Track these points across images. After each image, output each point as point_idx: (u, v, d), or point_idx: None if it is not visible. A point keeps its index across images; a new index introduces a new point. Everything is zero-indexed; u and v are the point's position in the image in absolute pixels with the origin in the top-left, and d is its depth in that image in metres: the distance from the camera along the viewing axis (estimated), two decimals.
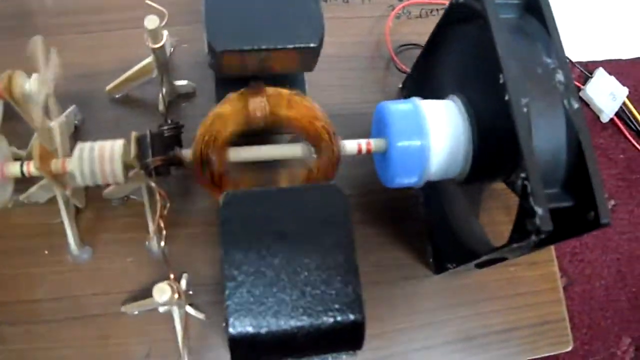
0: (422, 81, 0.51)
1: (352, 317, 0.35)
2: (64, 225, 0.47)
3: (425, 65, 0.50)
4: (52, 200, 0.49)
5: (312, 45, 0.39)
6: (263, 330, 0.34)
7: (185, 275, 0.48)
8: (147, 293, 0.48)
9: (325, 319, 0.35)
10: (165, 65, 0.47)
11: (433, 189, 0.52)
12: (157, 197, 0.40)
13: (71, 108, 0.50)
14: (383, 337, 0.50)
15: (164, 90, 0.50)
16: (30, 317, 0.49)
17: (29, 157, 0.43)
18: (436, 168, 0.43)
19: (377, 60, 0.57)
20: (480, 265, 0.49)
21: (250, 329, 0.34)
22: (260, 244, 0.35)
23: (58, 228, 0.49)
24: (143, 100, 0.53)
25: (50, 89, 0.44)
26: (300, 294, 0.35)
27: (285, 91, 0.42)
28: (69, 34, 0.55)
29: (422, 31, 0.57)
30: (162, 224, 0.40)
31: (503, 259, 0.46)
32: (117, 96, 0.53)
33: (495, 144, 0.42)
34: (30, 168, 0.42)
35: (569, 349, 0.52)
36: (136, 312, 0.48)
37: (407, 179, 0.44)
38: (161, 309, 0.47)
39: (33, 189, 0.47)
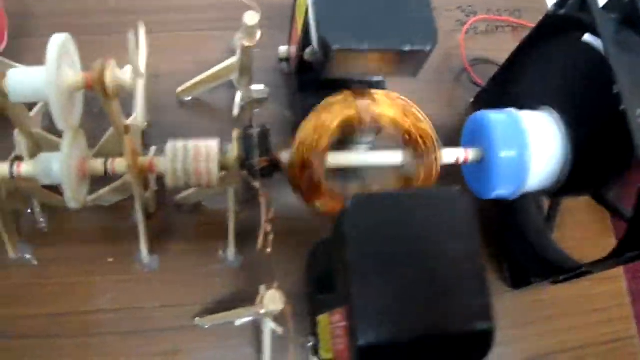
0: (500, 94, 0.51)
1: (482, 326, 0.33)
2: (138, 229, 0.44)
3: (506, 78, 0.50)
4: (117, 205, 0.47)
5: (426, 48, 0.38)
6: (391, 341, 0.32)
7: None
8: (220, 305, 0.46)
9: (454, 328, 0.33)
10: (250, 67, 0.45)
11: (506, 205, 0.51)
12: (261, 201, 0.38)
13: (141, 107, 0.47)
14: None
15: (239, 94, 0.48)
16: (88, 329, 0.45)
17: (99, 156, 0.41)
18: (534, 179, 0.42)
19: (445, 74, 0.56)
20: (558, 281, 0.48)
21: (378, 340, 0.32)
22: (387, 251, 0.33)
23: (124, 234, 0.47)
24: (212, 104, 0.51)
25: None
26: (429, 303, 0.33)
27: (392, 94, 0.41)
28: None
29: (488, 47, 0.57)
30: (268, 228, 0.37)
31: (588, 273, 0.45)
32: (186, 99, 0.51)
33: (594, 156, 0.42)
34: (116, 166, 0.40)
35: None
36: (207, 326, 0.46)
37: (506, 190, 0.43)
38: (238, 322, 0.44)
39: (105, 190, 0.45)
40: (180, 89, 0.49)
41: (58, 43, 0.35)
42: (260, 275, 0.46)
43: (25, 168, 0.39)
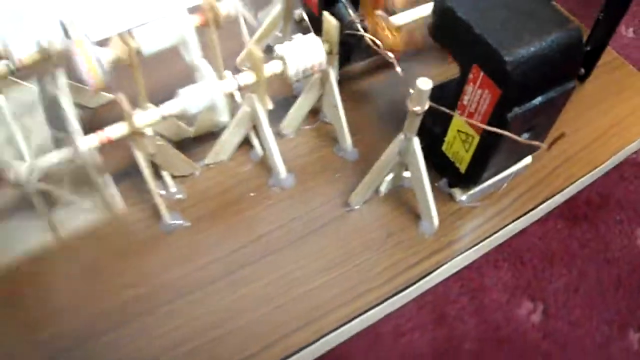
0: None
1: (572, 31, 0.42)
2: (271, 151, 0.50)
3: None
4: (233, 157, 0.53)
5: None
6: (525, 50, 0.40)
7: None
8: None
9: (556, 32, 0.42)
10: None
11: None
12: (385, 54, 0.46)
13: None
14: None
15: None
16: (267, 250, 0.49)
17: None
18: None
19: None
20: None
21: (519, 52, 0.40)
22: (486, 3, 0.43)
23: (249, 174, 0.52)
24: None
25: None
26: (533, 20, 0.42)
27: None
28: None
29: None
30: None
31: None
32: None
33: None
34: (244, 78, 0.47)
35: None
36: (357, 207, 0.51)
37: None
38: (385, 188, 0.50)
39: (225, 136, 0.51)
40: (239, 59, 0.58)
41: None
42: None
43: (172, 105, 0.45)
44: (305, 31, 0.60)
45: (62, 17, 0.49)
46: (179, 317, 0.44)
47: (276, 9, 0.57)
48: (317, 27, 0.52)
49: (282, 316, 0.44)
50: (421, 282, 0.48)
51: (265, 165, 0.53)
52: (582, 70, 0.64)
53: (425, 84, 0.41)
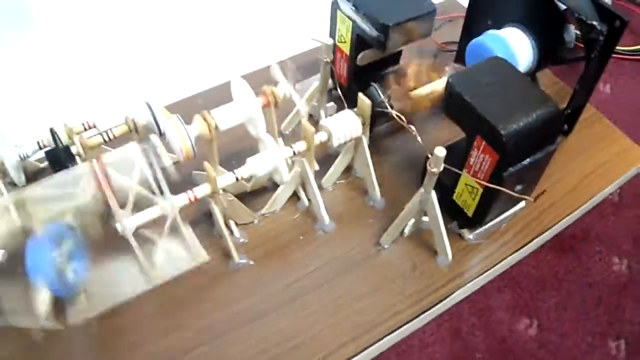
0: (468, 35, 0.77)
1: (552, 107, 0.56)
2: (317, 203, 0.63)
3: (471, 17, 0.77)
4: (282, 208, 0.66)
5: (433, 8, 0.65)
6: (516, 125, 0.54)
7: None
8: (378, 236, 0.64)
9: (540, 110, 0.55)
10: (327, 77, 0.69)
11: None
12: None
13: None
14: None
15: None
16: (318, 281, 0.61)
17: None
18: (523, 64, 0.68)
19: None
20: None
21: (512, 126, 0.53)
22: (485, 89, 0.56)
23: (298, 221, 0.65)
24: None
25: None
26: (522, 102, 0.55)
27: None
28: None
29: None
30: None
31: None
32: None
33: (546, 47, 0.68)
34: (299, 145, 0.60)
35: None
36: (387, 246, 0.64)
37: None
38: (408, 230, 0.63)
39: (279, 191, 0.64)
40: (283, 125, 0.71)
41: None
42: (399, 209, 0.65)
43: (244, 170, 0.58)
44: (335, 99, 0.74)
45: (148, 98, 0.63)
46: (258, 334, 0.57)
47: (315, 85, 0.71)
48: (344, 93, 0.66)
49: (336, 332, 0.57)
50: (440, 304, 0.60)
51: (310, 213, 0.66)
52: (566, 127, 0.77)
53: (440, 151, 0.54)
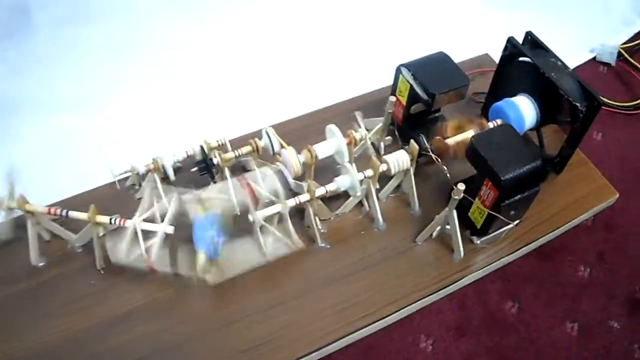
0: (494, 95, 1.06)
1: (537, 164, 0.84)
2: (375, 209, 0.94)
3: (495, 85, 1.06)
4: (350, 211, 0.96)
5: (465, 83, 0.94)
6: (513, 174, 0.83)
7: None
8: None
9: (533, 163, 0.84)
10: (388, 123, 0.99)
11: None
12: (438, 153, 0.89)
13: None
14: None
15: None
16: (371, 263, 0.91)
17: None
18: (528, 124, 0.97)
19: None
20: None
21: (509, 175, 0.82)
22: (494, 144, 0.86)
23: (361, 221, 0.96)
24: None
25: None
26: (519, 158, 0.84)
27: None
28: None
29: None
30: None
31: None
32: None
33: (547, 111, 0.97)
34: (367, 171, 0.90)
35: None
36: (420, 243, 0.94)
37: (518, 127, 0.97)
38: (435, 234, 0.93)
39: (350, 199, 0.94)
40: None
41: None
42: (430, 219, 0.95)
43: (332, 185, 0.88)
44: (391, 133, 1.03)
45: (267, 128, 0.94)
46: (329, 295, 0.87)
47: (379, 125, 1.01)
48: (399, 130, 0.95)
49: (382, 296, 0.87)
50: (452, 285, 0.90)
51: (369, 216, 0.96)
52: (558, 168, 1.06)
53: (461, 185, 0.83)
